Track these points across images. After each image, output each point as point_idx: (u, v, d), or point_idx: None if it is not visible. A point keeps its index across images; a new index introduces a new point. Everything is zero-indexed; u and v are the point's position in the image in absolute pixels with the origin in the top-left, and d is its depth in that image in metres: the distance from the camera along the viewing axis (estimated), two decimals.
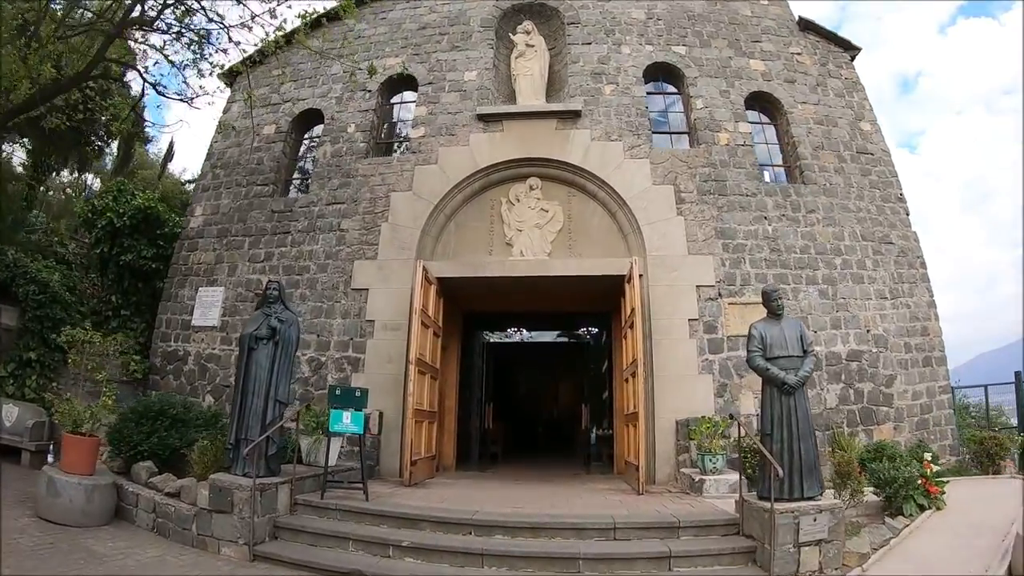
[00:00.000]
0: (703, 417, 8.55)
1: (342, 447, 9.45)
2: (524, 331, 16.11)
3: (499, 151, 10.59)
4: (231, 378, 10.48)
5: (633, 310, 8.68)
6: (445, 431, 11.02)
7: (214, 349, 10.98)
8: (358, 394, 7.38)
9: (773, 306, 6.80)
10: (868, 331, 10.23)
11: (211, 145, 12.87)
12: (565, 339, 16.43)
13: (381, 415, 9.46)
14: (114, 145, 20.20)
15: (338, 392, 7.34)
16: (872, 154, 11.71)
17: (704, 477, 8.07)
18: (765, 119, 12.02)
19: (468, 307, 11.63)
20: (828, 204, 10.84)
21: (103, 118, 13.31)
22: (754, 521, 6.26)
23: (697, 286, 9.78)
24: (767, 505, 6.04)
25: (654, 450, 8.84)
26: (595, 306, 11.45)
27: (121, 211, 11.28)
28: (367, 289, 10.21)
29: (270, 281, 7.88)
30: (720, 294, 9.88)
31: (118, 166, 19.14)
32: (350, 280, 10.42)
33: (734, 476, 8.21)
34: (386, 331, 9.85)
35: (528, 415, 18.34)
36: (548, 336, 16.44)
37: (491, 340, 11.81)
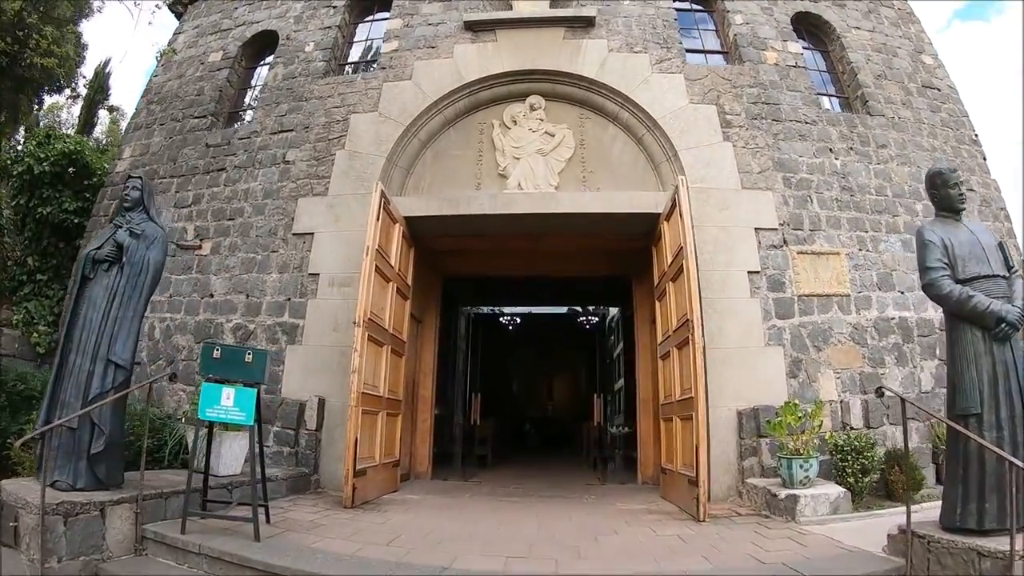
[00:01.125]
0: (787, 403, 5.36)
1: (266, 444, 6.22)
2: (519, 313, 12.85)
3: (491, 64, 7.50)
4: (142, 351, 7.32)
5: (680, 251, 5.52)
6: (419, 428, 7.76)
7: None
8: (249, 357, 4.14)
9: (951, 196, 3.69)
10: None
11: (149, 80, 9.92)
12: (571, 313, 13.01)
13: (322, 403, 6.24)
14: (74, 109, 17.31)
15: (216, 353, 4.09)
16: (939, 90, 8.88)
17: (795, 492, 4.93)
18: (811, 46, 9.00)
19: (449, 270, 8.43)
20: (900, 140, 7.91)
21: (31, 47, 10.08)
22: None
23: (756, 229, 6.71)
24: (996, 547, 2.89)
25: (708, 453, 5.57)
26: (612, 267, 8.26)
27: (42, 156, 8.48)
28: (312, 234, 7.05)
29: (131, 177, 4.64)
30: (785, 240, 6.80)
31: (79, 132, 15.95)
32: (292, 223, 7.26)
33: (834, 489, 5.08)
34: (333, 288, 6.64)
35: (523, 409, 14.47)
36: (550, 311, 12.86)
37: (477, 312, 8.47)
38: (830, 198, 7.24)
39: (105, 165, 9.40)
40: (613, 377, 9.22)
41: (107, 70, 17.29)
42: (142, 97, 9.85)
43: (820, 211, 7.14)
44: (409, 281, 6.85)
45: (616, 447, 8.79)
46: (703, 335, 5.23)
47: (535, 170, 6.94)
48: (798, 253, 6.81)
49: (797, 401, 5.93)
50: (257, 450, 4.29)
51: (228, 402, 3.99)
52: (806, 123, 7.58)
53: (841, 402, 6.27)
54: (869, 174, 7.51)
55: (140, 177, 4.65)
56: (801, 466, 5.09)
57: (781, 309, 6.48)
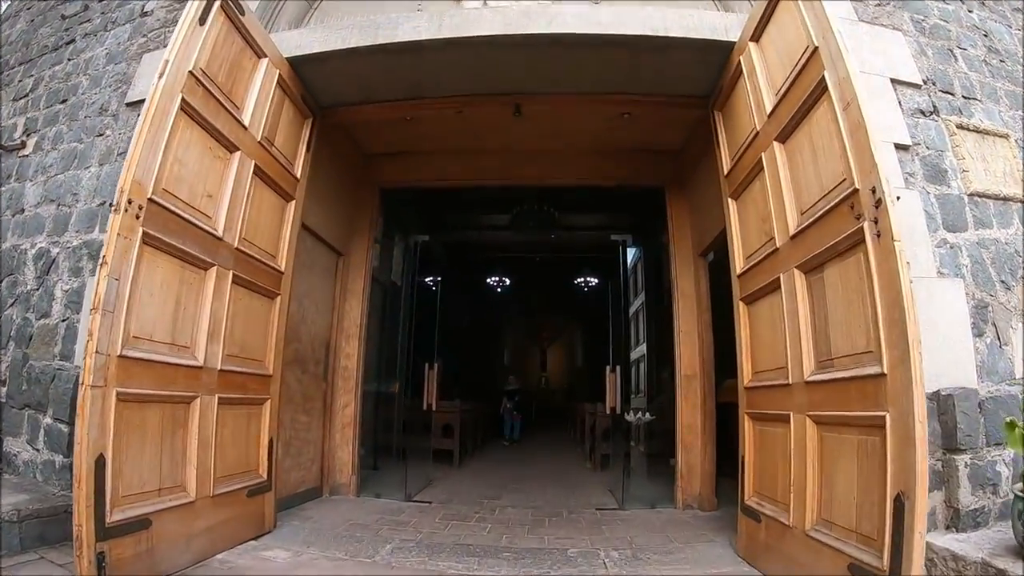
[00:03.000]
0: None
1: (35, 447, 3.15)
2: (498, 253, 9.37)
3: None
4: None
5: (810, 58, 2.30)
6: (337, 419, 4.61)
7: None
8: None
9: None
10: None
11: None
12: (570, 258, 9.54)
13: None
14: None
15: None
16: None
17: None
18: None
19: (388, 179, 5.21)
20: None
21: None
22: None
23: (893, 81, 3.42)
24: None
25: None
26: (634, 172, 4.97)
27: None
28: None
29: None
30: (935, 107, 3.57)
31: None
32: (129, 90, 4.03)
33: None
34: None
35: (504, 382, 10.79)
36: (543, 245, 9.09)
37: (428, 243, 5.13)
38: (976, 58, 4.07)
39: None
40: (628, 342, 6.02)
41: None
42: None
43: (970, 73, 3.96)
44: (297, 172, 3.61)
45: (632, 439, 5.60)
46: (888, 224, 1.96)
47: None
48: (957, 127, 3.62)
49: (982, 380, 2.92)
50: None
51: None
52: None
53: None
54: (1013, 39, 4.39)
55: None
56: None
57: (949, 214, 3.28)
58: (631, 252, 5.78)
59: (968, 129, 3.74)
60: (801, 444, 2.36)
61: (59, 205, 4.19)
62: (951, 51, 4.06)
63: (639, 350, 5.76)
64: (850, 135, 2.11)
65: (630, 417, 5.50)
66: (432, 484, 5.03)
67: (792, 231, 2.51)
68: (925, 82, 3.74)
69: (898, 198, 1.93)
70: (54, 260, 4.02)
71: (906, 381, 1.76)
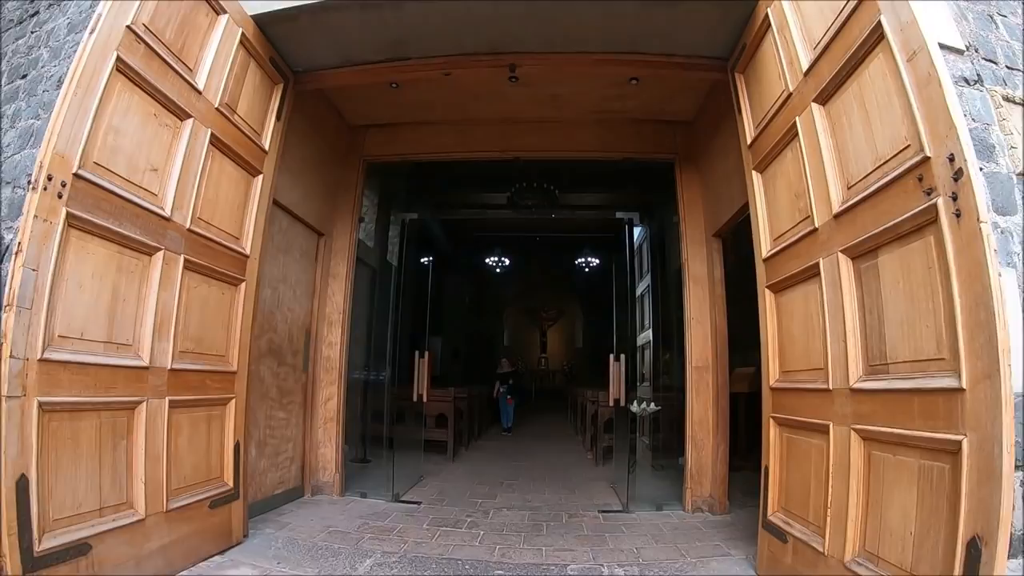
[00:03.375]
0: None
1: None
2: (495, 231, 8.97)
3: None
4: None
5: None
6: (319, 412, 4.29)
7: None
8: None
9: None
10: None
11: None
12: (572, 233, 9.10)
13: None
14: None
15: None
16: None
17: None
18: None
19: (374, 152, 4.79)
20: None
21: None
22: None
23: (940, 46, 2.93)
24: None
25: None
26: (642, 144, 4.52)
27: None
28: None
29: None
30: (980, 76, 3.10)
31: None
32: None
33: None
34: None
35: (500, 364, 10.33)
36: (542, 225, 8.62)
37: (414, 218, 4.76)
38: (1017, 27, 3.60)
39: None
40: (634, 328, 5.68)
41: None
42: None
43: (1011, 41, 3.49)
44: (265, 143, 3.21)
45: (637, 430, 5.28)
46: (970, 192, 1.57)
47: None
48: (1003, 99, 3.18)
49: None
50: None
51: None
52: None
53: None
54: None
55: None
56: None
57: (999, 195, 2.86)
58: (637, 231, 5.40)
59: (1014, 102, 3.31)
60: (843, 461, 2.01)
61: (14, 187, 3.83)
62: (991, 17, 3.61)
63: (645, 335, 5.42)
64: (917, 91, 1.72)
65: (635, 408, 5.16)
66: (423, 481, 4.72)
67: (836, 209, 2.12)
68: (968, 48, 3.29)
69: (981, 169, 1.56)
70: (7, 248, 3.68)
71: (993, 400, 1.41)
